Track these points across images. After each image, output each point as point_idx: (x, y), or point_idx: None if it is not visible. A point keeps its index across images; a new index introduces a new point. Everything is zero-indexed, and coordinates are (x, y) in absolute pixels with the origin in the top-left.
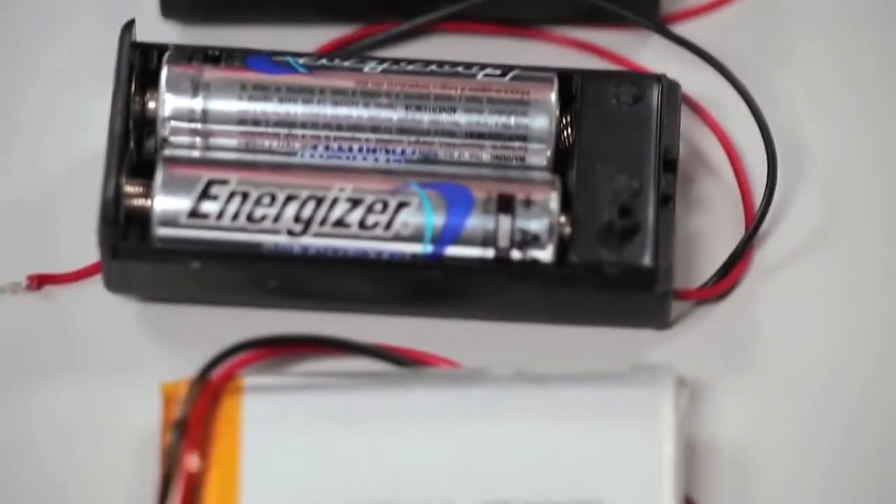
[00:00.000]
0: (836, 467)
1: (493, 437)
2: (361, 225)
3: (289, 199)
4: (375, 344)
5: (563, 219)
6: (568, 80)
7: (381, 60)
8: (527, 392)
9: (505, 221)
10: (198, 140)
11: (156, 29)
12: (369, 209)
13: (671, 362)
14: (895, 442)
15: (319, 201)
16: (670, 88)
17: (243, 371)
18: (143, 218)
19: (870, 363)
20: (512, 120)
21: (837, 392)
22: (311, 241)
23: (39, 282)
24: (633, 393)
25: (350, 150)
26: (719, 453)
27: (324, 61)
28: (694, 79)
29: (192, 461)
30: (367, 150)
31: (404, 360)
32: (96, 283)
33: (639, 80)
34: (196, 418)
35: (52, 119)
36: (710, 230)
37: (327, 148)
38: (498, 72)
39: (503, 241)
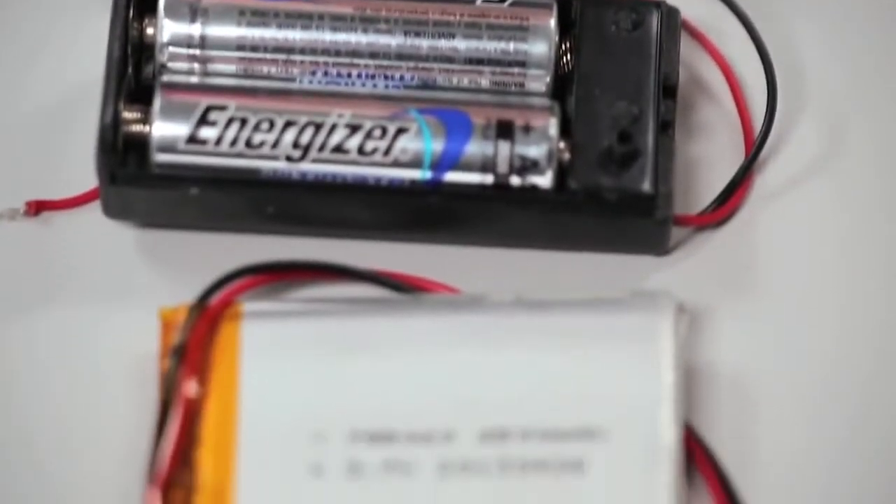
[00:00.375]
0: (836, 391)
1: (492, 363)
2: (360, 151)
3: (287, 124)
4: (375, 270)
5: (562, 145)
6: (567, 6)
7: None
8: (526, 318)
9: (504, 147)
10: (196, 66)
11: None
12: (368, 135)
13: (671, 288)
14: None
15: (318, 127)
16: (670, 14)
17: (242, 297)
18: (141, 144)
19: (870, 288)
20: (511, 46)
21: (837, 317)
22: (309, 167)
23: (37, 208)
24: (633, 319)
25: (349, 76)
26: (719, 379)
27: None
28: (693, 4)
29: (190, 387)
30: (366, 76)
31: (403, 287)
32: (95, 210)
33: (638, 6)
34: (195, 344)
35: (49, 45)
36: (710, 157)
37: (326, 74)
38: None
39: (502, 166)
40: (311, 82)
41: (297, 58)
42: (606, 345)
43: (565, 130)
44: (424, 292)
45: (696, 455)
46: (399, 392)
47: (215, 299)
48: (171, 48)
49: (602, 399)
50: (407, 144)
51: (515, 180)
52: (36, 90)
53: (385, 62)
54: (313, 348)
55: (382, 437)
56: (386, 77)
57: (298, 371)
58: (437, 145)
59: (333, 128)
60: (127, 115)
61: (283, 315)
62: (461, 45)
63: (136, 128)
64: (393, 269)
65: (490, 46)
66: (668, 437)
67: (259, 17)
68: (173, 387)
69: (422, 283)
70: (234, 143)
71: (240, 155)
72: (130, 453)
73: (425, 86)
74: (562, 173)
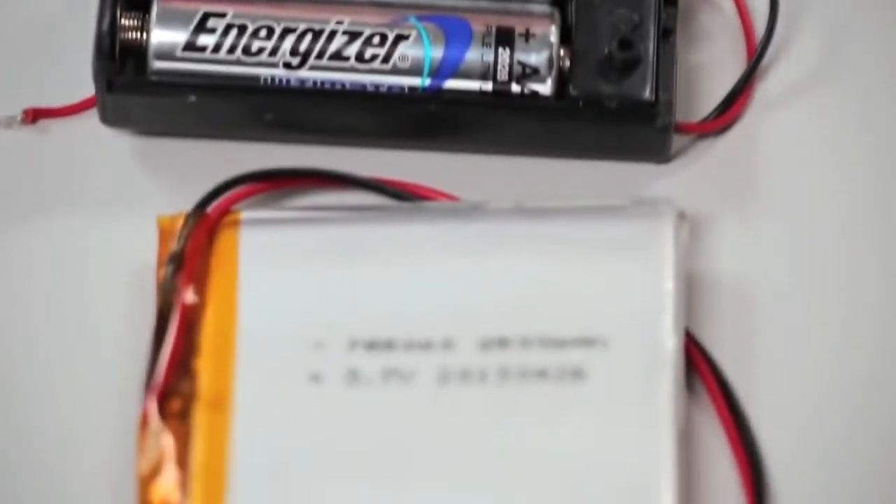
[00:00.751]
0: (836, 297)
1: (491, 271)
2: (359, 58)
3: (286, 31)
4: (374, 178)
5: (562, 52)
6: None
7: None
8: (526, 226)
9: (504, 54)
10: None
11: None
12: (367, 42)
13: (671, 196)
14: (894, 279)
15: (317, 34)
16: None
17: (241, 205)
18: (138, 51)
19: (871, 195)
20: None
21: (837, 224)
22: (308, 74)
23: (34, 116)
24: (633, 226)
25: None
26: (719, 287)
27: None
28: None
29: (188, 295)
30: None
31: (403, 194)
32: (92, 118)
33: None
34: (193, 252)
35: None
36: (712, 64)
37: None
38: None
39: (502, 74)
40: None
41: None
42: (607, 252)
43: (565, 37)
44: (424, 200)
45: (697, 362)
46: (398, 300)
47: (213, 207)
48: None
49: (602, 307)
50: (406, 51)
51: (515, 88)
52: None
53: None
54: (312, 256)
55: (381, 346)
56: None
57: (297, 279)
58: (436, 52)
59: (332, 35)
60: (124, 21)
61: (282, 223)
62: None
63: (134, 35)
64: (392, 177)
65: None
66: (669, 345)
67: None
68: (171, 295)
69: (421, 190)
70: (231, 50)
71: (238, 62)
72: (128, 363)
73: None
74: (562, 80)
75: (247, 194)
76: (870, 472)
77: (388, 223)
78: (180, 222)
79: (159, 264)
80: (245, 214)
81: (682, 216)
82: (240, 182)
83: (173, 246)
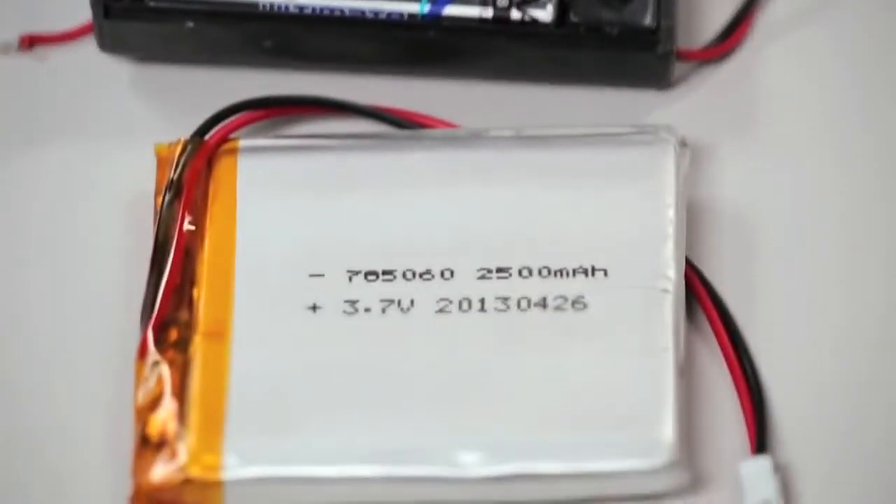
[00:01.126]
0: (837, 227)
1: (491, 199)
2: None
3: None
4: (373, 105)
5: None
6: None
7: None
8: (526, 153)
9: None
10: None
11: None
12: None
13: (673, 124)
14: (894, 212)
15: None
16: None
17: (239, 133)
18: None
19: (875, 121)
20: None
21: (839, 151)
22: (307, 0)
23: (31, 42)
24: (634, 154)
25: None
26: (721, 215)
27: None
28: None
29: (186, 223)
30: None
31: (402, 122)
32: (90, 44)
33: None
34: (191, 180)
35: None
36: None
37: None
38: None
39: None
40: None
41: None
42: (607, 180)
43: None
44: (423, 128)
45: (697, 291)
46: (397, 229)
47: (212, 135)
48: None
49: (602, 235)
50: None
51: (515, 14)
52: None
53: None
54: (311, 184)
55: (381, 275)
56: None
57: (295, 207)
58: None
59: None
60: None
61: (280, 150)
62: None
63: None
64: (392, 105)
65: None
66: (669, 274)
67: None
68: (169, 223)
69: (421, 118)
70: None
71: None
72: (126, 292)
73: None
74: (563, 7)
75: (245, 122)
76: (871, 399)
77: (387, 151)
78: (178, 150)
79: (157, 192)
80: (243, 142)
81: (683, 143)
82: (238, 110)
83: (171, 174)
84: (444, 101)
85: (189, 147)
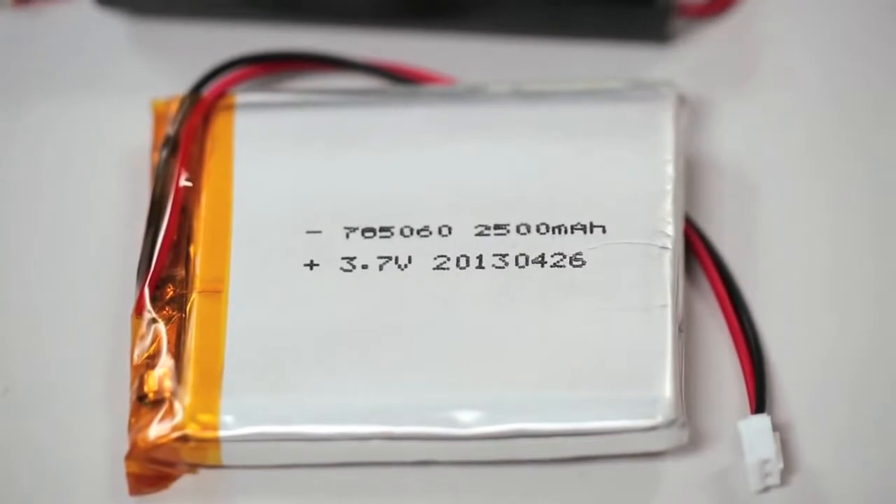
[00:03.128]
0: (837, 180)
1: (489, 155)
2: None
3: None
4: (370, 60)
5: None
6: None
7: None
8: (524, 109)
9: None
10: None
11: None
12: None
13: (672, 78)
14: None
15: None
16: None
17: (236, 88)
18: None
19: (876, 76)
20: None
21: (840, 107)
22: None
23: None
24: (633, 110)
25: None
26: (719, 171)
27: None
28: None
29: (183, 179)
30: None
31: (400, 77)
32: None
33: None
34: (187, 136)
35: None
36: None
37: None
38: None
39: None
40: None
41: None
42: (606, 136)
43: None
44: (421, 83)
45: (696, 248)
46: (395, 185)
47: (208, 90)
48: None
49: (601, 191)
50: None
51: None
52: None
53: None
54: (307, 140)
55: (378, 232)
56: None
57: (292, 163)
58: None
59: None
60: None
61: (277, 106)
62: None
63: None
64: (390, 59)
65: None
66: (668, 230)
67: None
68: (166, 180)
69: (418, 73)
70: None
71: None
72: (122, 248)
73: None
74: None
75: (242, 77)
76: (869, 358)
77: (384, 107)
78: (175, 106)
79: (154, 149)
80: (240, 98)
81: (682, 99)
82: (235, 65)
83: (168, 130)
84: (443, 56)
85: (186, 103)
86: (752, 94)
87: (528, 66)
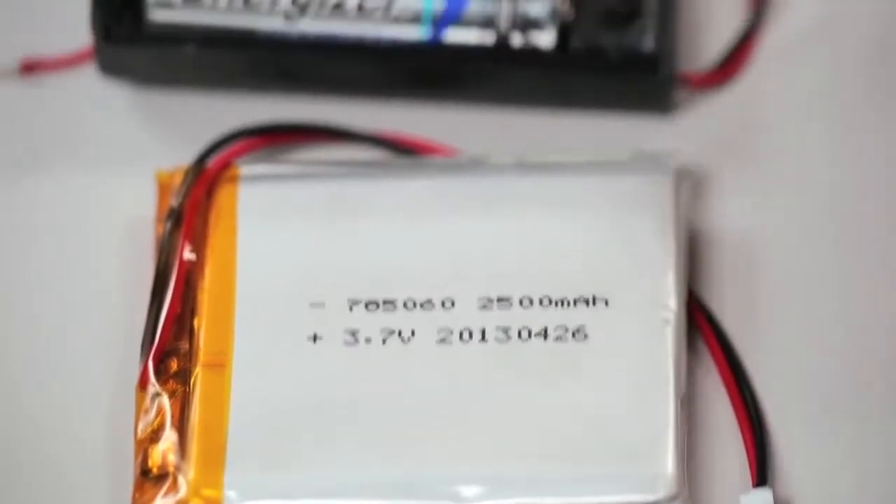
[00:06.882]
0: (840, 258)
1: (492, 228)
2: (359, 8)
3: None
4: (374, 131)
5: (564, 2)
6: None
7: None
8: (527, 181)
9: (505, 4)
10: None
11: None
12: None
13: (674, 149)
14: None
15: None
16: None
17: (240, 159)
18: (137, 0)
19: (877, 150)
20: None
21: (842, 181)
22: (308, 26)
23: (30, 66)
24: (636, 182)
25: None
26: (722, 244)
27: None
28: None
29: (187, 252)
30: None
31: (403, 148)
32: (90, 70)
33: None
34: (192, 207)
35: None
36: (715, 14)
37: None
38: None
39: (504, 24)
40: None
41: None
42: (609, 209)
43: None
44: (424, 154)
45: (699, 321)
46: (398, 257)
47: (213, 161)
48: None
49: (604, 265)
50: (406, 1)
51: (517, 39)
52: None
53: None
54: (311, 212)
55: (381, 305)
56: None
57: (296, 235)
58: (437, 2)
59: None
60: None
61: (281, 178)
62: None
63: None
64: (393, 130)
65: None
66: (671, 304)
67: None
68: (170, 252)
69: (421, 144)
70: (231, 0)
71: (237, 12)
72: (126, 321)
73: None
74: (564, 31)
75: (245, 149)
76: (872, 431)
77: (388, 178)
78: (180, 177)
79: (158, 220)
80: (244, 169)
81: (684, 172)
82: (239, 136)
83: (172, 201)
84: (446, 127)
85: (190, 175)
86: (754, 165)
87: (531, 137)
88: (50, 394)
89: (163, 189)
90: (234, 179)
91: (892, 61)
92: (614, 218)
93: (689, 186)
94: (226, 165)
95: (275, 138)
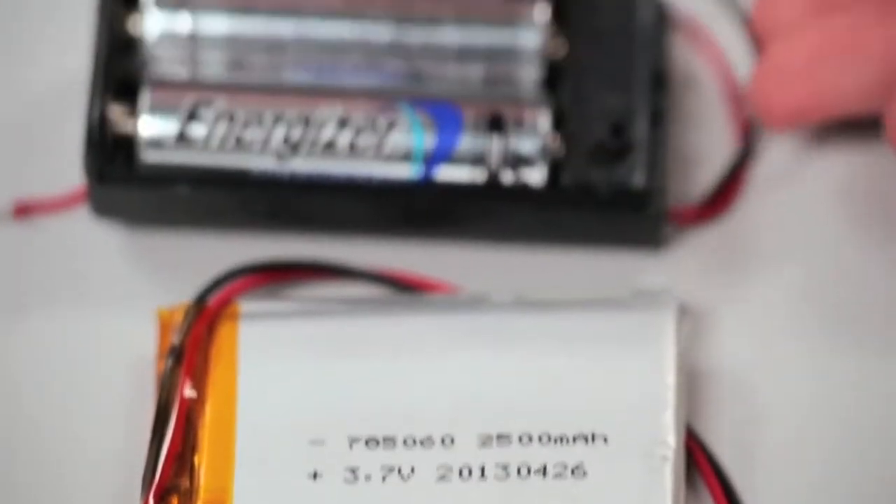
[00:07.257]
0: (840, 393)
1: (492, 365)
2: (351, 147)
3: (277, 120)
4: (373, 269)
5: (554, 139)
6: None
7: None
8: (526, 319)
9: (496, 142)
10: (184, 60)
11: None
12: (358, 131)
13: (667, 282)
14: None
15: (307, 123)
16: (661, 4)
17: (240, 297)
18: (129, 142)
19: (876, 279)
20: (502, 37)
21: (840, 313)
22: (299, 165)
23: (24, 209)
24: (634, 319)
25: (338, 69)
26: (719, 379)
27: None
28: None
29: (188, 389)
30: (356, 70)
31: (402, 285)
32: (83, 211)
33: None
34: (193, 345)
35: (36, 40)
36: (705, 148)
37: (315, 68)
38: None
39: (494, 161)
40: (300, 76)
41: (286, 52)
42: (608, 346)
43: (558, 124)
44: (423, 291)
45: (697, 458)
46: (398, 395)
47: (213, 299)
48: (158, 41)
49: (603, 402)
50: (397, 140)
51: (508, 175)
52: (21, 86)
53: (374, 55)
54: (312, 349)
55: (381, 442)
56: (375, 70)
57: (296, 373)
58: (428, 140)
59: (323, 124)
60: (114, 111)
61: (281, 315)
62: (451, 36)
63: (124, 125)
64: (392, 267)
65: (480, 37)
66: (670, 441)
67: (247, 9)
68: (171, 388)
69: (421, 281)
70: (223, 140)
71: (229, 153)
72: (128, 458)
73: (415, 78)
74: (555, 167)
75: (245, 286)
76: None
77: (387, 316)
78: (181, 315)
79: (159, 358)
80: (244, 307)
81: (683, 309)
82: (239, 274)
83: (173, 338)
84: (442, 263)
85: (191, 312)
86: (747, 299)
87: (528, 273)
88: None
89: (164, 326)
90: (235, 316)
91: (886, 185)
92: (614, 354)
93: (688, 323)
94: (226, 303)
95: (275, 275)
